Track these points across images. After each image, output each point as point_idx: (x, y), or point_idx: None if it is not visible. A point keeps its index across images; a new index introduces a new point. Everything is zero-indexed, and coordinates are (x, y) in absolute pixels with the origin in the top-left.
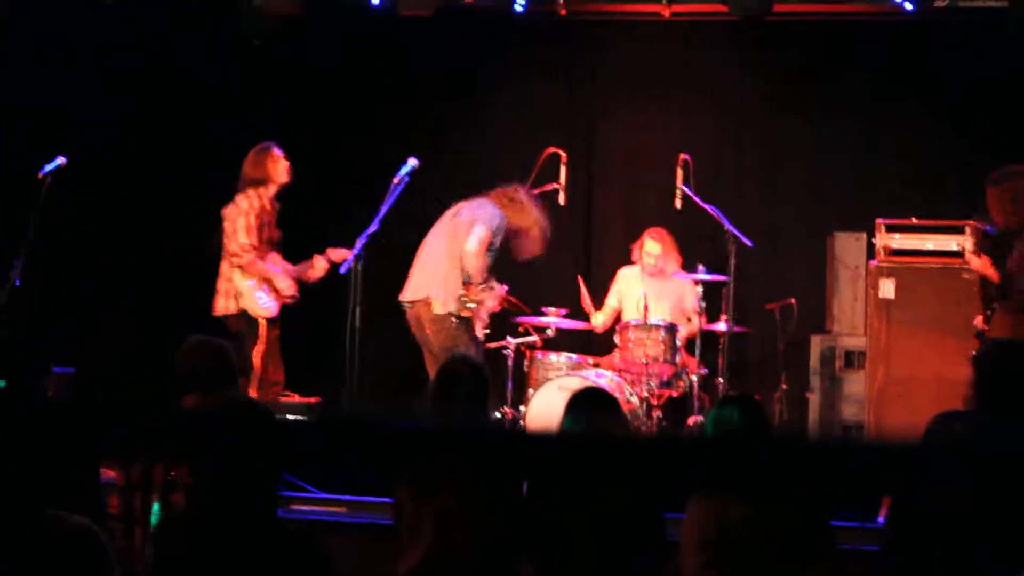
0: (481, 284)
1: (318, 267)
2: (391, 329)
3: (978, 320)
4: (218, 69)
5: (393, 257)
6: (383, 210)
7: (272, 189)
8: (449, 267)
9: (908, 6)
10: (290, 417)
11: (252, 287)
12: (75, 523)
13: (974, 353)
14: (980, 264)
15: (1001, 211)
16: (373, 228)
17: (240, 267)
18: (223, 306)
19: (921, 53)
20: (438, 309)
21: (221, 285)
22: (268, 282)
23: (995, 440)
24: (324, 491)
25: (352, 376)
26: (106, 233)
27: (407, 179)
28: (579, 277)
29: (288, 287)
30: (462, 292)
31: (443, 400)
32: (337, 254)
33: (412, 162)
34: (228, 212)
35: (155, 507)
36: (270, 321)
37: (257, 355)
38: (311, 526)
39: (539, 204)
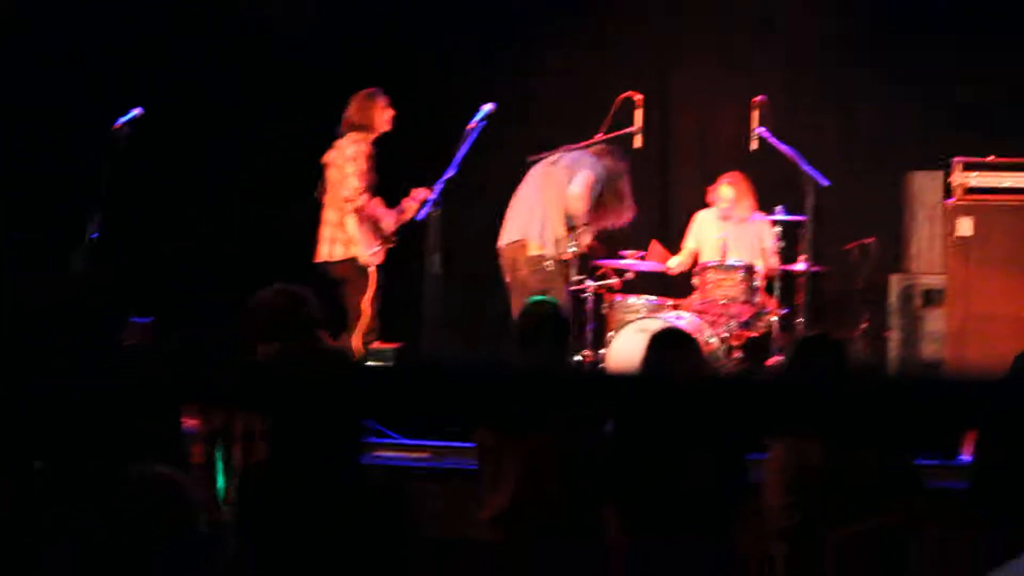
0: (582, 228)
1: (409, 209)
2: (469, 274)
3: None
4: (294, 13)
5: (470, 203)
6: (460, 155)
7: (372, 136)
8: (546, 210)
9: None
10: (374, 363)
11: (363, 235)
12: (160, 473)
13: None
14: None
15: None
16: (450, 173)
17: (355, 212)
18: (328, 252)
19: None
20: (533, 250)
21: (327, 232)
22: (375, 229)
23: None
24: (408, 437)
25: (432, 321)
26: (184, 184)
27: (484, 124)
28: (654, 241)
29: (391, 229)
30: (563, 235)
31: (525, 342)
32: (421, 193)
33: (488, 107)
34: (333, 158)
35: (218, 455)
36: (376, 268)
37: (366, 302)
38: (395, 472)
39: (628, 166)
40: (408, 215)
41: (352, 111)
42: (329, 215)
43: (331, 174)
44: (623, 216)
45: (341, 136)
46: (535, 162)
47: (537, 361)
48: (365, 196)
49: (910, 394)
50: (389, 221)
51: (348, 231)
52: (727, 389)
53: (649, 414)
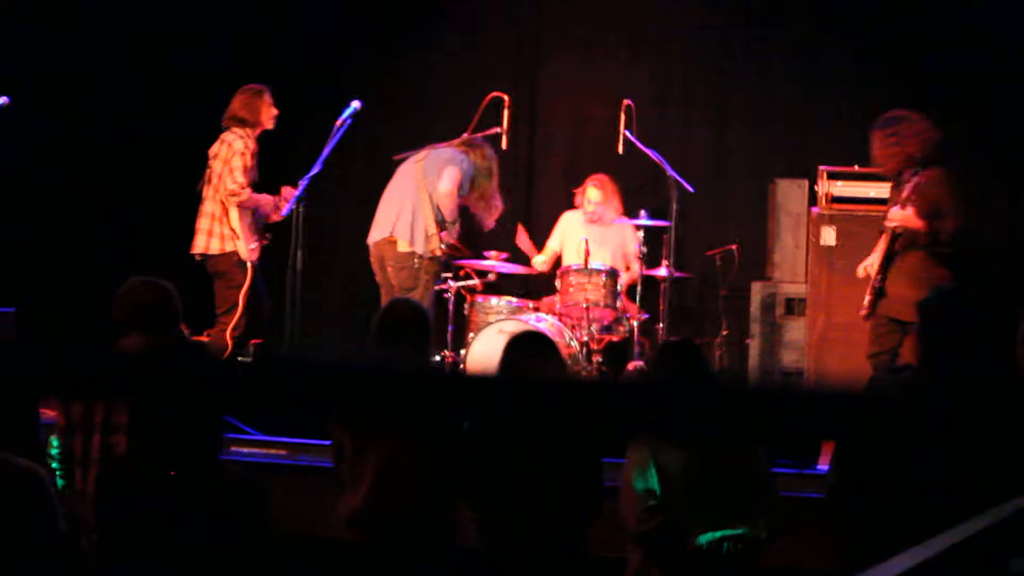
0: (451, 223)
1: (281, 207)
2: (332, 272)
3: (869, 266)
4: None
5: (335, 200)
6: (325, 152)
7: (256, 131)
8: (415, 207)
9: None
10: (239, 358)
11: (243, 229)
12: (20, 465)
13: (919, 301)
14: (903, 216)
15: (885, 154)
16: (315, 170)
17: (238, 205)
18: (205, 244)
19: None
20: (402, 247)
21: (204, 224)
22: (255, 225)
23: (939, 388)
24: (265, 434)
25: (293, 318)
26: (50, 173)
27: (350, 121)
28: (519, 224)
29: (274, 219)
30: (433, 232)
31: (384, 341)
32: (290, 192)
33: (355, 104)
34: (219, 151)
35: (53, 441)
36: (253, 264)
37: (241, 297)
38: (251, 468)
39: (496, 158)
40: (280, 214)
41: (237, 105)
42: (209, 208)
43: (215, 166)
44: (491, 212)
45: (225, 129)
46: (402, 160)
47: (396, 359)
48: (249, 191)
49: (769, 402)
50: (271, 214)
51: (231, 225)
52: (585, 391)
53: (506, 416)
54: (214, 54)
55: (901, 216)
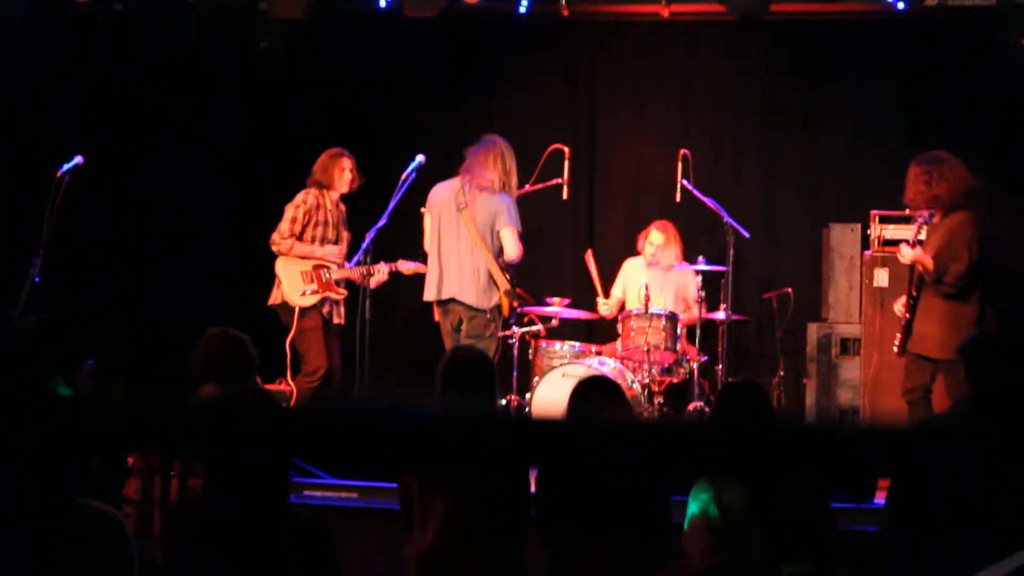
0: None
1: (381, 272)
2: (399, 321)
3: (899, 305)
4: (230, 70)
5: (401, 251)
6: (391, 205)
7: (334, 194)
8: (479, 265)
9: (900, 5)
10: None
11: (294, 277)
12: (101, 509)
13: (960, 345)
14: (913, 254)
15: (915, 190)
16: (382, 222)
17: (279, 255)
18: (273, 296)
19: (913, 50)
20: (480, 303)
21: (276, 278)
22: (310, 273)
23: (990, 426)
24: (335, 477)
25: (363, 365)
26: (122, 230)
27: (415, 175)
28: (589, 252)
29: (337, 273)
30: (507, 287)
31: (450, 388)
32: (407, 266)
33: (419, 158)
34: (287, 207)
35: None
36: (304, 310)
37: (287, 342)
38: (321, 512)
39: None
40: (380, 278)
41: (316, 167)
42: (276, 262)
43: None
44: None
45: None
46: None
47: (463, 407)
48: (291, 241)
49: (828, 441)
50: (334, 271)
51: (278, 273)
52: (650, 434)
53: (574, 459)
54: (279, 117)
55: (911, 255)
